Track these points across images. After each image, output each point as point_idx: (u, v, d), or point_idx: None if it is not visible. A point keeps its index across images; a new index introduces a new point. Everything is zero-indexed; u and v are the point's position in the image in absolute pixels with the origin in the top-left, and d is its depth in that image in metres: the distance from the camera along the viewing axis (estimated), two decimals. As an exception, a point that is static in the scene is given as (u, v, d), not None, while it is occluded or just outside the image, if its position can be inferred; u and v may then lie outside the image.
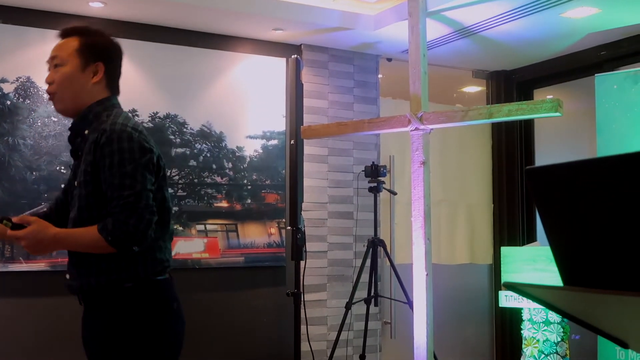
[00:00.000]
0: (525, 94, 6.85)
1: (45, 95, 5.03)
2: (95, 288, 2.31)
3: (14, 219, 2.27)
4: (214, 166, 5.60)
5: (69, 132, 2.52)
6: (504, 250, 5.07)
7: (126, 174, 2.22)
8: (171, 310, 2.38)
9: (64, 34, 2.45)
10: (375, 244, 5.39)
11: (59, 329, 4.97)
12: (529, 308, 4.97)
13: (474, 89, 7.60)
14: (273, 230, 5.80)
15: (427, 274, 4.46)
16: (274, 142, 5.86)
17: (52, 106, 2.47)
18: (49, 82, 2.41)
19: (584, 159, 1.20)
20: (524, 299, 4.89)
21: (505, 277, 4.92)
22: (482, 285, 6.91)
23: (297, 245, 5.00)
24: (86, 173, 2.28)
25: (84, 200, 2.30)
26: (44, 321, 4.99)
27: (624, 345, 1.47)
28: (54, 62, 2.40)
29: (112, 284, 2.29)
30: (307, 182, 5.72)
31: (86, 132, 2.37)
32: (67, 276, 2.45)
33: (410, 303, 4.84)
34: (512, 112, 4.26)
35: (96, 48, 2.42)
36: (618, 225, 1.15)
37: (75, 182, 2.35)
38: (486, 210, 6.99)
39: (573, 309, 1.33)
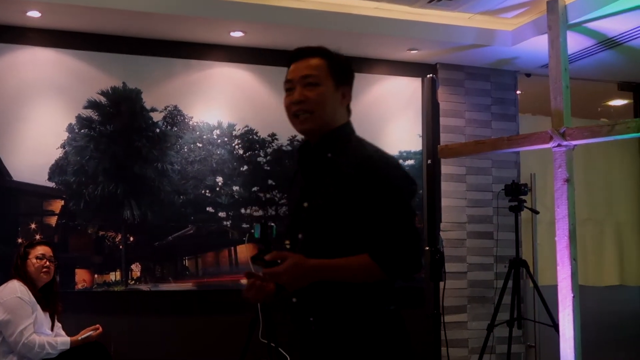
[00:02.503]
0: (676, 105, 6.47)
1: (192, 122, 5.29)
2: (341, 312, 2.21)
3: (266, 257, 2.17)
4: (352, 187, 5.64)
5: (297, 154, 2.44)
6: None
7: (402, 202, 2.17)
8: (409, 342, 2.32)
9: (307, 54, 2.36)
10: (517, 265, 5.22)
11: (205, 347, 5.16)
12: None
13: (620, 102, 7.25)
14: (411, 250, 5.75)
15: (573, 296, 4.28)
16: (411, 162, 5.84)
17: (297, 125, 2.31)
18: (301, 100, 2.27)
19: None
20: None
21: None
22: (634, 308, 6.54)
23: (436, 266, 4.94)
24: (341, 197, 2.20)
25: (329, 224, 2.22)
26: (191, 338, 5.19)
27: None
28: (307, 80, 2.29)
29: (351, 308, 2.21)
30: (445, 201, 5.66)
31: (329, 154, 2.28)
32: (294, 300, 2.32)
33: (556, 326, 4.65)
34: (663, 125, 4.03)
35: (343, 70, 2.34)
36: None
37: (317, 204, 2.27)
38: (636, 228, 6.62)
39: None
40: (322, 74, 2.29)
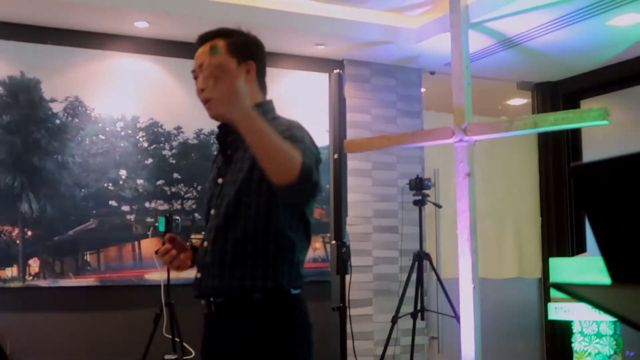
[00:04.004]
0: (572, 106, 6.73)
1: (94, 114, 5.14)
2: (241, 292, 2.19)
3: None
4: (259, 181, 5.63)
5: (217, 131, 2.37)
6: (552, 261, 4.98)
7: (300, 138, 2.11)
8: (310, 325, 2.32)
9: (204, 39, 2.31)
10: (421, 258, 5.34)
11: (108, 343, 5.03)
12: (579, 320, 4.86)
13: (519, 101, 7.52)
14: (318, 244, 5.80)
15: (474, 287, 4.40)
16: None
17: (207, 113, 2.25)
18: (202, 88, 2.23)
19: (631, 152, 1.17)
20: (574, 311, 4.80)
21: (554, 290, 4.82)
22: (531, 299, 6.80)
23: (342, 260, 4.98)
24: (248, 169, 2.17)
25: (245, 185, 2.18)
26: (93, 335, 5.05)
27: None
28: (204, 67, 2.23)
29: (255, 290, 2.18)
30: (351, 196, 5.71)
31: None
32: (199, 275, 2.29)
33: (457, 317, 4.77)
34: (558, 122, 4.20)
35: (244, 46, 2.30)
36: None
37: (232, 179, 2.23)
38: (534, 223, 6.89)
39: (626, 310, 1.30)
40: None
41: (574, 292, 1.30)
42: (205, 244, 2.29)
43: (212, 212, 2.29)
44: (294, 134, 2.14)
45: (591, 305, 1.38)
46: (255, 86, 2.33)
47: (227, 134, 2.31)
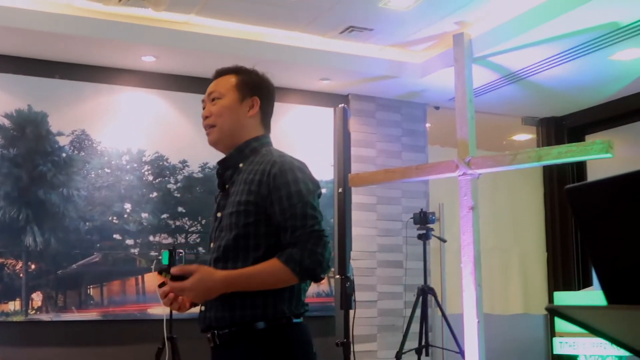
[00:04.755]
0: (576, 140, 6.72)
1: (100, 147, 5.18)
2: (243, 322, 2.21)
3: (173, 270, 2.18)
4: (263, 215, 5.62)
5: (217, 166, 2.47)
6: (557, 295, 4.94)
7: (308, 204, 2.20)
8: (314, 353, 2.31)
9: (220, 74, 2.46)
10: (425, 293, 5.30)
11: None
12: (585, 355, 4.80)
13: (524, 136, 7.52)
14: (322, 279, 5.76)
15: (478, 321, 4.36)
16: (322, 190, 5.85)
17: (207, 139, 2.40)
18: (207, 115, 2.39)
19: (623, 173, 1.16)
20: (579, 345, 4.73)
21: (559, 325, 4.77)
22: (537, 335, 6.72)
23: (346, 294, 4.94)
24: (247, 203, 2.24)
25: (242, 229, 2.23)
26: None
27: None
28: (212, 96, 2.40)
29: (257, 318, 2.21)
30: (355, 230, 5.69)
31: (241, 165, 2.36)
32: (203, 308, 2.33)
33: (462, 352, 4.72)
34: (561, 155, 4.20)
35: (252, 83, 2.44)
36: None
37: (228, 212, 2.30)
38: (540, 258, 6.84)
39: (620, 333, 1.28)
40: (225, 89, 2.40)
41: (569, 314, 1.29)
42: None
43: (212, 245, 2.35)
44: (294, 205, 2.20)
45: (590, 331, 1.37)
46: (257, 122, 2.43)
47: (226, 169, 2.41)
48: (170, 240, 5.35)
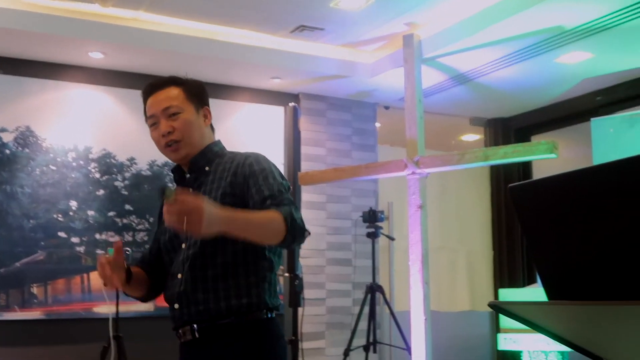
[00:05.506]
0: (523, 141, 6.85)
1: (46, 144, 5.07)
2: (228, 314, 2.23)
3: (178, 191, 2.02)
4: (212, 214, 5.59)
5: (172, 174, 2.50)
6: (502, 292, 5.03)
7: (283, 186, 2.26)
8: (286, 346, 2.38)
9: (158, 87, 2.43)
10: (373, 290, 5.34)
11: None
12: (528, 351, 4.91)
13: (472, 137, 7.64)
14: (271, 277, 5.75)
15: (425, 318, 4.41)
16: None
17: (171, 155, 2.38)
18: (169, 131, 2.35)
19: (562, 172, 1.20)
20: (522, 341, 4.83)
21: (504, 321, 4.86)
22: (483, 332, 6.83)
23: (294, 292, 4.95)
24: (224, 196, 2.27)
25: None
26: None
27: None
28: (170, 111, 2.37)
29: (241, 308, 2.23)
30: (305, 229, 5.70)
31: (207, 168, 2.39)
32: (177, 305, 2.31)
33: (409, 349, 4.76)
34: (507, 155, 4.27)
35: (199, 93, 2.47)
36: (597, 236, 1.14)
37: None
38: (487, 256, 6.95)
39: (560, 328, 1.31)
40: (180, 102, 2.40)
41: (510, 310, 1.31)
42: (179, 275, 2.31)
43: (184, 245, 2.33)
44: (270, 184, 2.25)
45: (531, 327, 1.40)
46: (210, 129, 2.49)
47: (183, 175, 2.44)
48: (117, 238, 5.27)
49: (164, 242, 2.43)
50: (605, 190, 1.10)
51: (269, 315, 2.29)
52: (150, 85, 2.46)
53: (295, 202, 2.31)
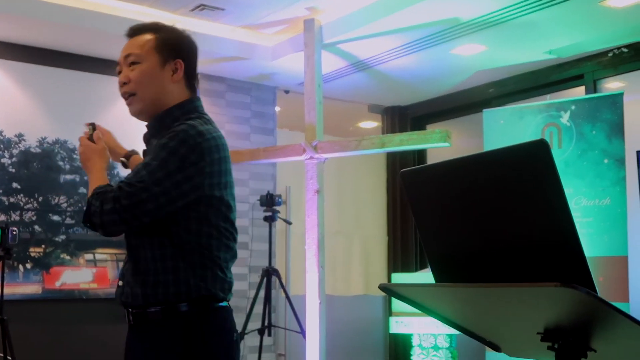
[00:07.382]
0: (419, 129, 7.03)
1: None
2: (165, 301, 2.03)
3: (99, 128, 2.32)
4: (105, 194, 5.44)
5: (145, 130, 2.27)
6: (395, 276, 5.15)
7: (159, 170, 2.00)
8: (233, 342, 2.13)
9: (135, 32, 2.20)
10: (269, 274, 5.35)
11: None
12: (418, 334, 5.05)
13: (370, 124, 7.75)
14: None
15: (320, 302, 4.46)
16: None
17: (129, 109, 2.20)
18: (124, 81, 2.15)
19: (450, 159, 1.23)
20: (413, 324, 4.97)
21: (396, 305, 4.98)
22: (376, 316, 6.98)
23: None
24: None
25: None
26: None
27: (497, 348, 1.50)
28: (129, 60, 2.15)
29: (180, 295, 2.02)
30: (201, 211, 5.64)
31: (153, 140, 2.16)
32: (121, 283, 2.14)
33: (303, 332, 4.81)
34: (403, 142, 4.37)
35: (174, 44, 2.19)
36: (480, 222, 1.18)
37: None
38: (381, 242, 7.09)
39: (446, 310, 1.35)
40: (144, 51, 2.16)
41: (399, 292, 1.35)
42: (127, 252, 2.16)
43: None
44: (141, 172, 2.04)
45: (419, 308, 1.44)
46: (181, 86, 2.19)
47: (147, 142, 2.25)
48: (3, 217, 5.05)
49: None
50: (488, 177, 1.14)
51: (211, 305, 2.07)
52: (130, 28, 2.24)
53: (158, 199, 2.01)
